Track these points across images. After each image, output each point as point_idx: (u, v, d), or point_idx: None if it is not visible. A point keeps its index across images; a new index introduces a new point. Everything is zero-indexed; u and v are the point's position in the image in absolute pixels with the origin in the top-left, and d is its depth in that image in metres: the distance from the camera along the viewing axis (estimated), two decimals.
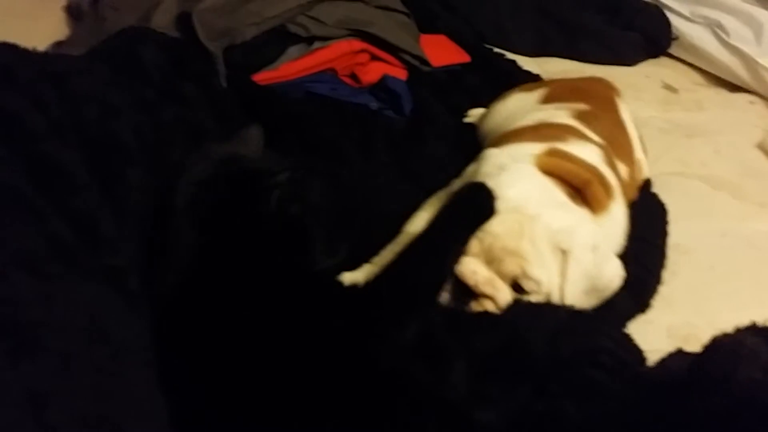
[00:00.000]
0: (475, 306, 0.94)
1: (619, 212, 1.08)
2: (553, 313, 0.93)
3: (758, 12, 1.91)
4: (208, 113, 1.25)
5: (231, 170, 0.91)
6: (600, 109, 1.26)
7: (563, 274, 0.95)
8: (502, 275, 0.94)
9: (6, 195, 0.74)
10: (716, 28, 1.94)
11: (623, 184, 1.14)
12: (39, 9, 1.56)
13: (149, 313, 0.80)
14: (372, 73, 1.58)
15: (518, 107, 1.35)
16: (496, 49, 1.87)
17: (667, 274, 1.17)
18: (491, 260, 0.94)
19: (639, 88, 1.86)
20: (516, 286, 0.94)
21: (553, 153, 1.05)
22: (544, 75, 1.72)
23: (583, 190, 1.01)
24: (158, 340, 0.77)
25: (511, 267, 0.93)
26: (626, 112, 1.33)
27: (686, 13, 2.02)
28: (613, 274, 0.99)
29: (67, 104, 0.92)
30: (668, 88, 1.89)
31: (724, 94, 1.90)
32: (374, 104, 1.52)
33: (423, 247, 0.91)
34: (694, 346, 0.85)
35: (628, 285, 1.04)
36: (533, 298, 0.95)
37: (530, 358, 0.86)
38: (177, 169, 0.93)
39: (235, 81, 1.43)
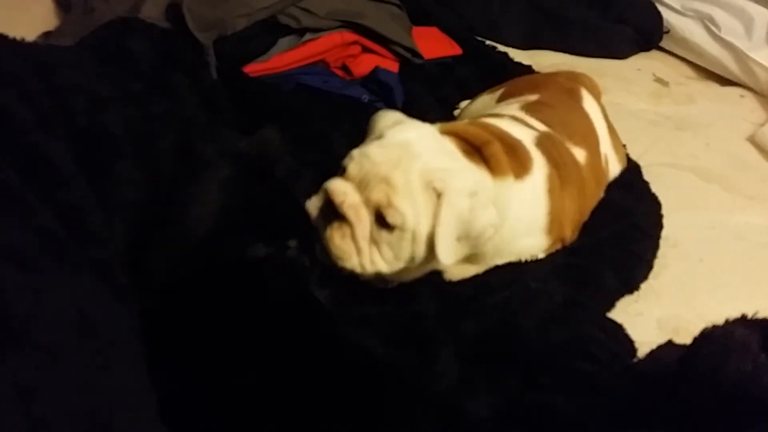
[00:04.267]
0: (332, 232, 0.94)
1: (539, 185, 1.05)
2: (546, 300, 0.94)
3: (749, 6, 1.92)
4: (199, 105, 1.24)
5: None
6: (555, 99, 1.25)
7: (436, 216, 0.92)
8: (368, 203, 0.93)
9: None
10: (707, 22, 1.95)
11: (579, 169, 1.14)
12: None
13: (137, 307, 0.79)
14: (363, 65, 1.58)
15: (480, 108, 1.36)
16: (488, 42, 1.86)
17: (656, 267, 1.18)
18: (363, 187, 0.94)
19: (630, 81, 1.86)
20: (380, 219, 0.93)
21: (469, 123, 1.06)
22: (536, 68, 1.72)
23: (481, 148, 1.00)
24: (148, 334, 0.77)
25: (379, 195, 0.92)
26: (592, 104, 1.31)
27: (677, 6, 2.03)
28: (487, 223, 0.95)
29: (55, 96, 0.91)
30: (659, 81, 1.90)
31: (714, 88, 1.91)
32: (366, 96, 1.52)
33: None
34: (684, 338, 0.86)
35: (616, 266, 1.05)
36: (395, 238, 0.93)
37: (520, 344, 0.86)
38: (194, 162, 0.91)
39: (225, 72, 1.42)
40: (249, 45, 1.51)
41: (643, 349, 0.92)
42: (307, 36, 1.55)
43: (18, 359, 0.58)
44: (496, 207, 0.96)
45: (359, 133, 1.39)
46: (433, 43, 1.76)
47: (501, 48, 1.84)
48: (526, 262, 1.05)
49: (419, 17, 1.84)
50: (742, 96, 1.87)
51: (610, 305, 1.07)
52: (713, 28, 1.92)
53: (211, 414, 0.71)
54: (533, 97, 1.25)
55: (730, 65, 1.89)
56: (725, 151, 1.60)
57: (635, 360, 0.91)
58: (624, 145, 1.37)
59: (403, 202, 0.91)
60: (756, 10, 1.90)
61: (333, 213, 0.94)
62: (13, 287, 0.63)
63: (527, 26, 1.99)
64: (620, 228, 1.15)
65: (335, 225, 0.94)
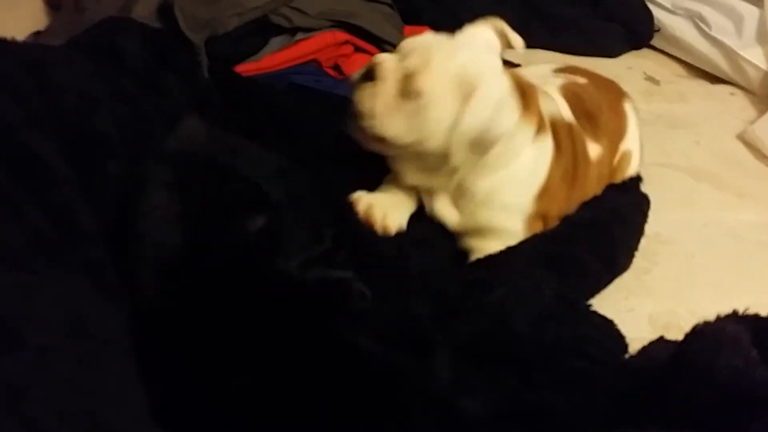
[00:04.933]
0: (362, 92, 0.99)
1: (547, 152, 1.08)
2: (536, 297, 0.94)
3: (739, 4, 1.93)
4: (190, 105, 1.23)
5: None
6: (598, 89, 1.28)
7: (460, 109, 0.96)
8: (402, 70, 0.98)
9: None
10: (698, 20, 1.95)
11: (586, 164, 1.16)
12: None
13: (130, 307, 0.79)
14: (356, 64, 1.57)
15: (538, 72, 1.38)
16: None
17: (648, 263, 1.19)
18: (401, 60, 0.99)
19: (621, 80, 1.84)
20: (406, 88, 0.96)
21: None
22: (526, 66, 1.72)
23: (525, 89, 1.04)
24: (143, 335, 0.77)
25: (414, 62, 0.97)
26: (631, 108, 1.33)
27: (668, 5, 2.04)
28: (505, 129, 0.99)
29: (45, 95, 0.90)
30: (650, 79, 1.91)
31: (705, 86, 1.91)
32: None
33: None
34: (676, 334, 0.86)
35: (597, 251, 1.07)
36: (413, 109, 0.96)
37: (516, 343, 0.86)
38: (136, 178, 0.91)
39: (217, 72, 1.41)
40: (241, 45, 1.50)
41: (634, 345, 0.93)
42: (299, 36, 1.55)
43: (9, 359, 0.58)
44: (512, 144, 1.01)
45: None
46: None
47: None
48: (510, 251, 1.06)
49: (411, 17, 1.84)
50: (732, 94, 1.88)
51: (597, 291, 1.08)
52: (704, 27, 1.93)
53: (209, 415, 0.71)
54: (581, 80, 1.28)
55: (720, 63, 1.90)
56: (716, 149, 1.61)
57: (627, 356, 0.92)
58: None
59: (434, 76, 0.96)
60: (746, 8, 1.91)
61: (368, 78, 0.99)
62: (4, 287, 0.63)
63: (519, 25, 1.98)
64: (598, 215, 1.16)
65: (366, 85, 0.99)
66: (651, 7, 2.05)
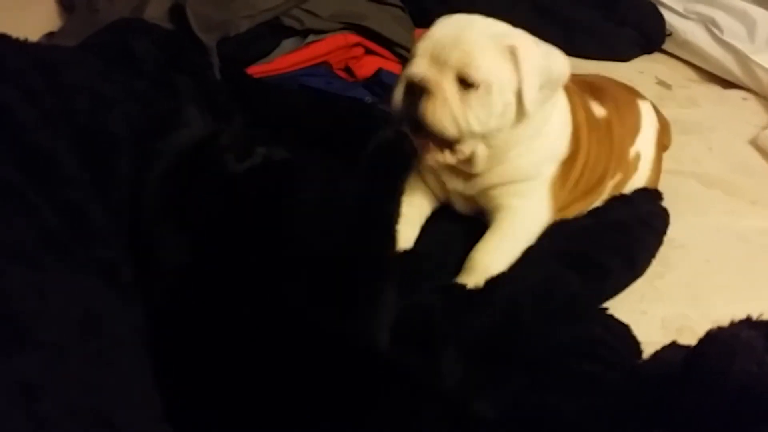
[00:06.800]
0: (425, 107, 0.98)
1: (567, 123, 1.12)
2: (552, 296, 0.93)
3: (751, 9, 1.92)
4: (202, 106, 1.23)
5: (185, 158, 0.91)
6: (613, 88, 1.31)
7: (517, 70, 0.98)
8: (448, 70, 0.98)
9: None
10: (710, 25, 1.94)
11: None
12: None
13: (142, 306, 0.79)
14: (366, 66, 1.57)
15: None
16: None
17: (661, 268, 1.18)
18: (437, 60, 0.99)
19: (633, 84, 1.85)
20: (464, 82, 0.98)
21: None
22: None
23: None
24: (155, 335, 0.77)
25: (456, 57, 0.98)
26: (648, 105, 1.35)
27: (680, 9, 2.03)
28: (562, 62, 1.05)
29: (58, 95, 0.91)
30: (662, 84, 1.90)
31: (717, 91, 1.90)
32: (369, 98, 1.52)
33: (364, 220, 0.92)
34: (688, 338, 0.86)
35: (621, 253, 1.08)
36: (482, 94, 0.97)
37: (526, 344, 0.85)
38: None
39: (228, 74, 1.42)
40: (252, 46, 1.51)
41: (647, 349, 0.92)
42: (311, 38, 1.55)
43: (22, 357, 0.58)
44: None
45: (362, 134, 1.40)
46: None
47: None
48: (530, 247, 1.07)
49: (421, 19, 1.83)
50: (744, 99, 1.86)
51: (616, 293, 1.08)
52: (716, 31, 1.92)
53: (217, 413, 0.71)
54: (598, 82, 1.31)
55: (732, 68, 1.89)
56: (728, 155, 1.60)
57: (640, 360, 0.91)
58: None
59: (480, 58, 0.98)
60: (759, 13, 1.90)
61: (419, 93, 0.99)
62: (17, 286, 0.63)
63: (530, 28, 1.98)
64: (624, 217, 1.17)
65: (424, 100, 0.98)
66: (663, 11, 2.04)
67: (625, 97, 1.31)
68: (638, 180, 1.30)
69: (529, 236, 1.09)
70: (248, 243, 0.82)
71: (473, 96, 0.97)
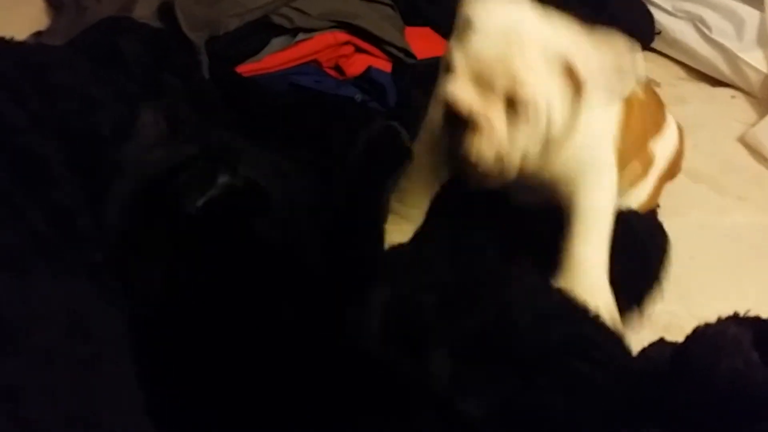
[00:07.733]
0: (472, 138, 0.88)
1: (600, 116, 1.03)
2: (544, 293, 0.93)
3: (740, 7, 1.92)
4: (190, 105, 1.23)
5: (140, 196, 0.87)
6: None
7: (575, 86, 0.90)
8: (497, 96, 0.87)
9: None
10: (698, 23, 1.95)
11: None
12: None
13: (128, 310, 0.78)
14: (356, 65, 1.57)
15: None
16: None
17: None
18: (482, 83, 0.88)
19: None
20: (510, 102, 0.87)
21: None
22: None
23: None
24: (137, 338, 0.76)
25: (503, 80, 0.86)
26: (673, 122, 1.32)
27: (668, 7, 2.03)
28: (631, 61, 0.94)
29: (46, 96, 0.90)
30: (651, 82, 1.90)
31: (706, 89, 1.91)
32: (359, 96, 1.51)
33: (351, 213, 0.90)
34: (675, 335, 0.86)
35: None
36: (532, 123, 0.88)
37: (517, 340, 0.85)
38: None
39: (217, 72, 1.41)
40: (241, 45, 1.50)
41: (634, 345, 0.93)
42: (300, 36, 1.55)
43: (8, 361, 0.58)
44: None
45: (352, 132, 1.40)
46: (426, 44, 1.76)
47: None
48: None
49: (412, 18, 1.83)
50: (733, 97, 1.87)
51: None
52: (704, 29, 1.93)
53: (206, 417, 0.71)
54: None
55: (721, 66, 1.90)
56: (716, 152, 1.61)
57: (628, 358, 0.92)
58: None
59: (530, 78, 0.87)
60: (747, 11, 1.91)
61: (463, 126, 0.89)
62: (4, 289, 0.63)
63: None
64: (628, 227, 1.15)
65: (469, 134, 0.89)
66: (652, 9, 2.04)
67: (657, 98, 1.29)
68: (642, 191, 1.25)
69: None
70: (220, 272, 0.81)
71: (522, 119, 0.89)
